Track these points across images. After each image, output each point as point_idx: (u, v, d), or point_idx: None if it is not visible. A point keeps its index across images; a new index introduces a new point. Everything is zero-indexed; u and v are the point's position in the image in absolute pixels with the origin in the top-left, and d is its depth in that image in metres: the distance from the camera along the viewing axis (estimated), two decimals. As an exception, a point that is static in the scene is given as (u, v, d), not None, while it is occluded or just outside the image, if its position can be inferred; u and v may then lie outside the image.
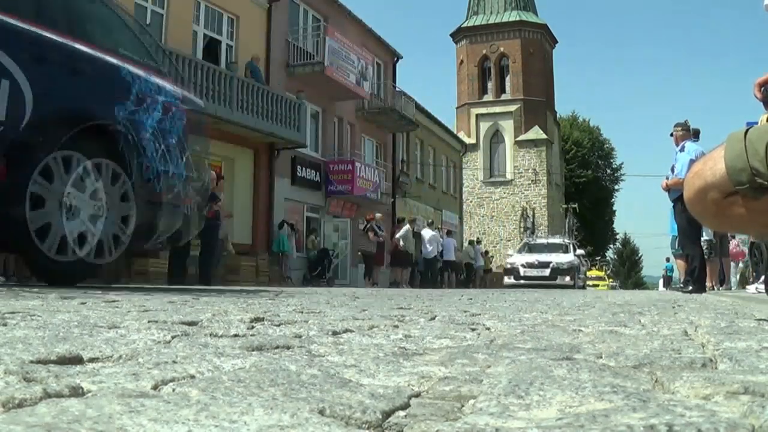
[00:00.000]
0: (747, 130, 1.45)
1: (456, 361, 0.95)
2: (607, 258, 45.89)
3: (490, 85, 45.04)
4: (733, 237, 12.27)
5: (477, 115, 44.36)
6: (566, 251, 20.95)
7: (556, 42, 48.03)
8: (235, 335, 1.29)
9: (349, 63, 18.95)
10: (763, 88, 1.85)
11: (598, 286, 35.74)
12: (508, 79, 44.80)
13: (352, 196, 19.56)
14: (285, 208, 17.61)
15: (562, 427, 0.55)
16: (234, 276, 12.94)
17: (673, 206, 7.59)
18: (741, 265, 14.55)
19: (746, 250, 12.97)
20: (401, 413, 0.62)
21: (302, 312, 2.13)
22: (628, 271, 62.06)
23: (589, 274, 38.53)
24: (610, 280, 45.58)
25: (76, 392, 0.67)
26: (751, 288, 9.06)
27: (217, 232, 10.27)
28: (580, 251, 21.20)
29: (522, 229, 46.48)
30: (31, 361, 0.84)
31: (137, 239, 4.20)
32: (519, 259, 20.64)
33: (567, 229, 45.61)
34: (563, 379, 0.79)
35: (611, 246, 59.27)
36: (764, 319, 2.03)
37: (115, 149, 3.94)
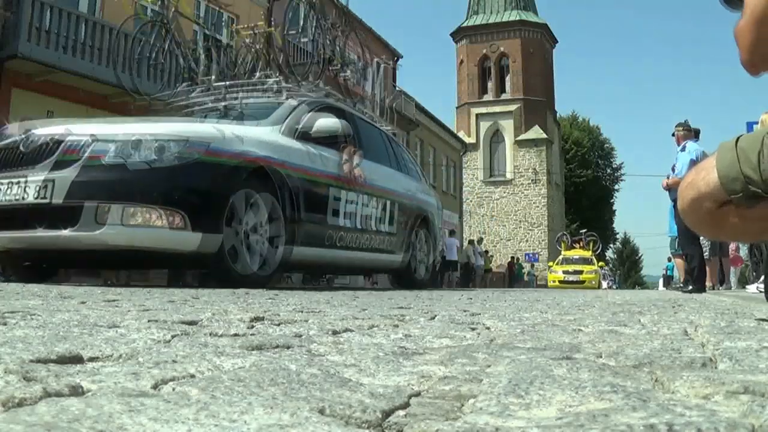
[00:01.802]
0: (738, 138, 1.45)
1: (456, 361, 0.95)
2: (597, 243, 29.91)
3: (490, 84, 45.03)
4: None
5: (477, 115, 44.36)
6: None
7: (556, 42, 48.04)
8: (235, 334, 1.29)
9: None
10: None
11: (581, 273, 25.09)
12: (508, 78, 44.80)
13: (352, 196, 19.52)
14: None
15: (562, 427, 0.55)
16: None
17: (673, 206, 7.59)
18: (741, 266, 14.52)
19: (743, 255, 12.97)
20: (401, 412, 0.62)
21: (302, 311, 2.12)
22: (627, 270, 62.02)
23: (567, 254, 28.18)
24: (602, 264, 31.04)
25: (76, 391, 0.67)
26: (751, 288, 9.06)
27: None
28: (333, 123, 5.35)
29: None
30: (31, 361, 0.84)
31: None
32: None
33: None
34: (563, 378, 0.79)
35: (611, 246, 59.20)
36: (764, 319, 2.03)
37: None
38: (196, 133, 4.37)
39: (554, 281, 25.44)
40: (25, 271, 5.01)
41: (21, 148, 4.22)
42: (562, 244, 29.76)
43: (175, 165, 4.12)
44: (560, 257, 28.41)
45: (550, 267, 28.98)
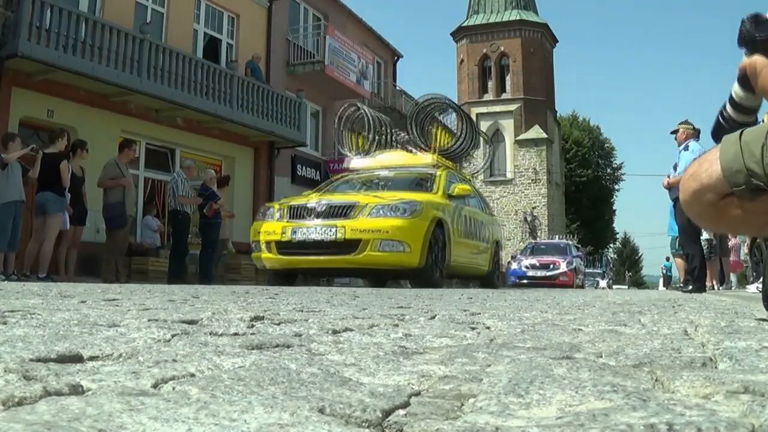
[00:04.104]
0: (742, 132, 1.46)
1: (456, 360, 0.95)
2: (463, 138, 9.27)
3: (491, 84, 44.99)
4: (735, 236, 12.28)
5: (477, 114, 44.33)
6: None
7: (557, 41, 47.99)
8: (235, 334, 1.29)
9: (350, 62, 18.94)
10: None
11: (341, 229, 6.97)
12: (508, 78, 44.76)
13: (351, 195, 19.45)
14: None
15: (562, 426, 0.55)
16: (234, 274, 12.95)
17: (674, 205, 7.59)
18: (739, 272, 14.49)
19: (742, 257, 12.98)
20: (401, 412, 0.62)
21: (302, 311, 2.12)
22: (627, 270, 62.02)
23: (354, 199, 7.65)
24: (465, 188, 8.64)
25: (76, 390, 0.67)
26: (751, 288, 9.06)
27: (218, 231, 10.27)
28: None
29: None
30: (31, 360, 0.84)
31: None
32: None
33: None
34: (563, 378, 0.79)
35: (611, 246, 59.18)
36: (764, 319, 2.03)
37: None
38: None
39: (264, 256, 7.64)
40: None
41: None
42: (348, 139, 10.61)
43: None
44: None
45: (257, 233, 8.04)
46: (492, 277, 9.89)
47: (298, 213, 7.39)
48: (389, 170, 9.17)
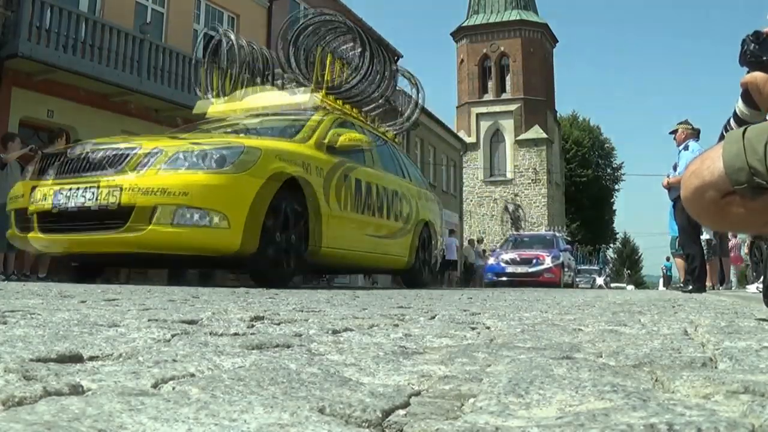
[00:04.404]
0: (745, 129, 1.45)
1: (456, 360, 0.95)
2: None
3: (491, 84, 45.05)
4: (735, 236, 12.29)
5: (477, 114, 44.37)
6: None
7: (557, 41, 48.04)
8: (235, 334, 1.29)
9: (350, 62, 18.94)
10: None
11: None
12: (508, 78, 44.82)
13: (351, 195, 19.31)
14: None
15: (562, 426, 0.55)
16: (234, 275, 12.93)
17: (673, 205, 7.59)
18: (741, 265, 14.48)
19: (743, 255, 12.98)
20: (401, 412, 0.62)
21: (302, 311, 2.12)
22: (628, 270, 62.09)
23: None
24: (362, 139, 6.13)
25: (76, 390, 0.67)
26: (751, 288, 9.06)
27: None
28: None
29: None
30: (31, 360, 0.84)
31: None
32: None
33: None
34: (563, 378, 0.79)
35: (611, 245, 59.21)
36: (764, 319, 2.03)
37: None
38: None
39: (30, 236, 4.91)
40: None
41: None
42: (207, 77, 7.88)
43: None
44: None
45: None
46: (417, 272, 7.32)
47: (65, 167, 4.77)
48: (255, 116, 6.50)
